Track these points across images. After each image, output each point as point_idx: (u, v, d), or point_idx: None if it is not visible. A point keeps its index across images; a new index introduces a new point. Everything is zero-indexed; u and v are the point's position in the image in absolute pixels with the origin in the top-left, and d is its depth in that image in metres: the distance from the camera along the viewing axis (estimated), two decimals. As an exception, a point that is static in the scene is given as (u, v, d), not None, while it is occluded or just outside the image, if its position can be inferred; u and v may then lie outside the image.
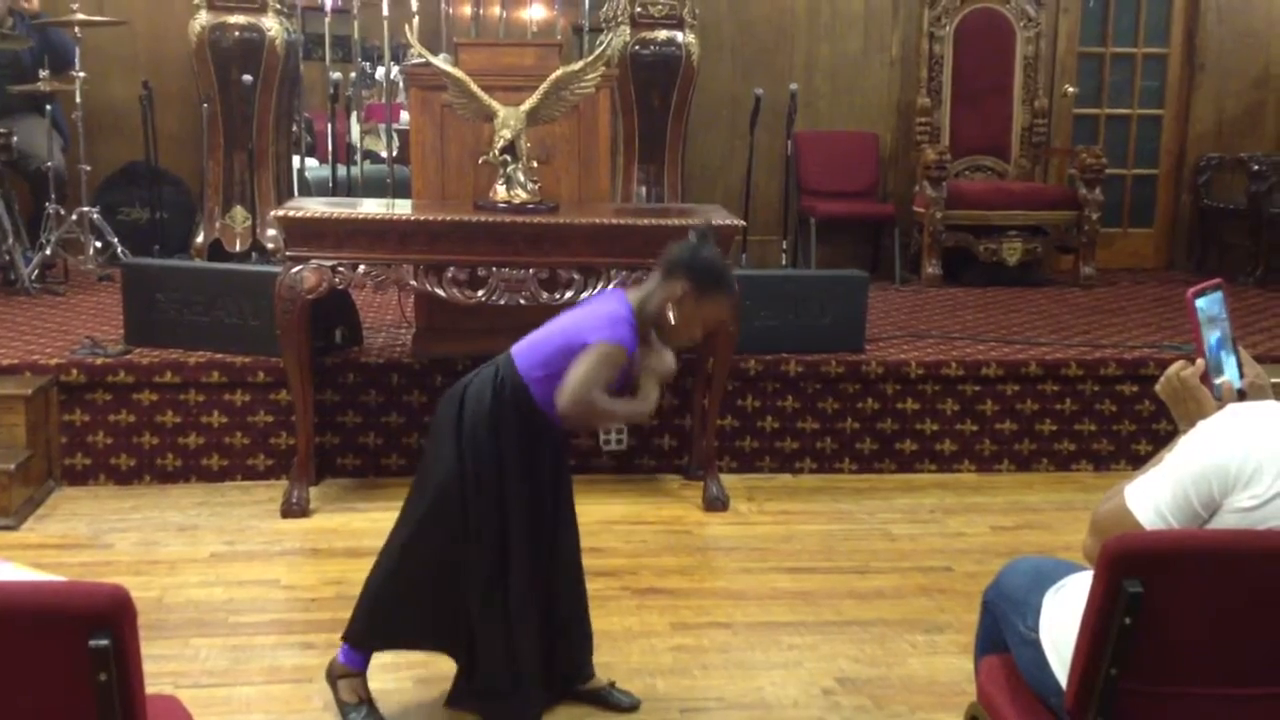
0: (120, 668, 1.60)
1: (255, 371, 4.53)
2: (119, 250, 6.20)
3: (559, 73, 4.13)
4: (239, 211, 6.39)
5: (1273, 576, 1.82)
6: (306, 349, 4.15)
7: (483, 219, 4.04)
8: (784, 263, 6.66)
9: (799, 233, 6.86)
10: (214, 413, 4.54)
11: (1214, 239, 7.35)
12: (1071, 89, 7.34)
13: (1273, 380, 2.12)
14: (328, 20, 6.77)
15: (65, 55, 6.18)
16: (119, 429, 4.50)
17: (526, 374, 2.73)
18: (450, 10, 6.83)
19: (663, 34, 6.27)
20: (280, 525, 4.14)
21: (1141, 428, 4.89)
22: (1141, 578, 1.78)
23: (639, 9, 6.25)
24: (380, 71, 7.32)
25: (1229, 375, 2.03)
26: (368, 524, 4.04)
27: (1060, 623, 2.07)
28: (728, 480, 4.53)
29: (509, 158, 4.10)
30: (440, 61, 4.19)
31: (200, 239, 6.42)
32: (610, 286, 3.94)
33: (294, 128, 6.76)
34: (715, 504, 4.35)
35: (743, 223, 4.46)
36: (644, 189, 6.44)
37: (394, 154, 6.79)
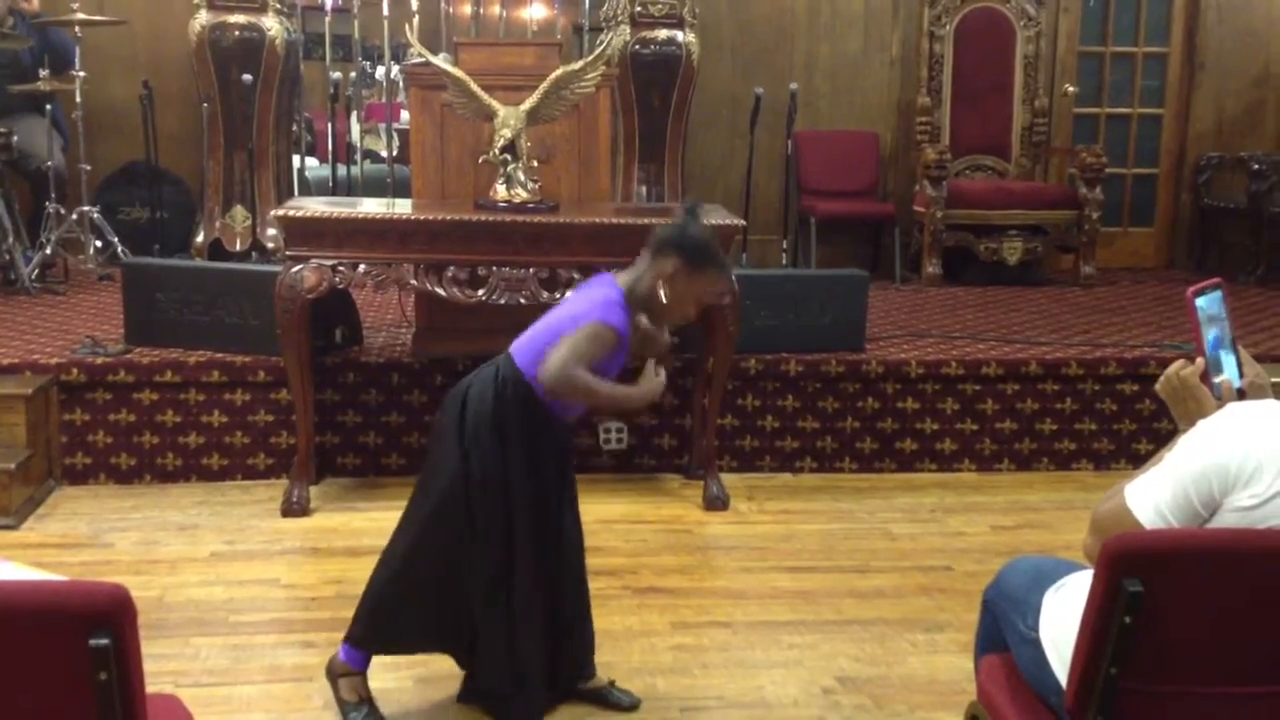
0: (120, 667, 1.60)
1: (255, 371, 4.53)
2: (119, 250, 6.20)
3: (559, 72, 4.13)
4: (239, 211, 6.39)
5: (1273, 576, 1.82)
6: (307, 348, 4.15)
7: (483, 218, 4.04)
8: (784, 262, 6.67)
9: (799, 232, 6.86)
10: (214, 412, 4.54)
11: (1214, 238, 7.35)
12: (1072, 88, 7.34)
13: (1273, 380, 2.12)
14: (328, 20, 6.76)
15: (65, 55, 6.18)
16: (119, 428, 4.50)
17: (526, 370, 2.73)
18: (450, 10, 6.83)
19: (663, 33, 6.27)
20: (280, 524, 4.15)
21: (1142, 427, 4.89)
22: (1141, 577, 1.78)
23: (639, 8, 6.24)
24: (380, 71, 7.31)
25: (1229, 374, 2.03)
26: (368, 523, 4.05)
27: (1060, 622, 2.07)
28: (728, 479, 4.53)
29: (509, 157, 4.10)
30: (440, 61, 4.19)
31: (200, 238, 6.42)
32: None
33: (294, 127, 6.76)
34: (715, 503, 4.35)
35: (743, 222, 4.46)
36: (644, 188, 6.44)
37: (394, 153, 6.79)
